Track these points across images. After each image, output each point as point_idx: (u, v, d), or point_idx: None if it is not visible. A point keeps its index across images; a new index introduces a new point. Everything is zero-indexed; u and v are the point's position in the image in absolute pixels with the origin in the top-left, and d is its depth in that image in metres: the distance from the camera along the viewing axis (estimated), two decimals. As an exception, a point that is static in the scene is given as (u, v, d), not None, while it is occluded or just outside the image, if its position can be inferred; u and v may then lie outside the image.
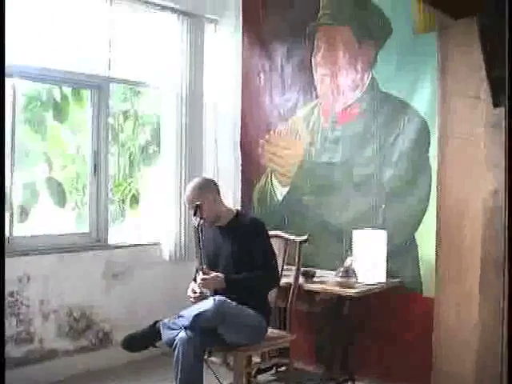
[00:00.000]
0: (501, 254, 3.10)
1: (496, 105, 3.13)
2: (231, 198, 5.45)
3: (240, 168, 5.62)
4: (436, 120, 3.87)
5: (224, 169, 5.72)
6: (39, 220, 5.04)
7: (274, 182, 5.31)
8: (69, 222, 5.28)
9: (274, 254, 3.90)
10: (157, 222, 5.44)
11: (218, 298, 3.54)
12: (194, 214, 3.76)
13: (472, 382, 3.29)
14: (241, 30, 5.57)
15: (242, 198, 5.58)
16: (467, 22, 3.18)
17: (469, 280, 3.33)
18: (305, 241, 4.12)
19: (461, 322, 3.37)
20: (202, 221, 3.78)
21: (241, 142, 5.61)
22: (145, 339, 3.77)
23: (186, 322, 3.48)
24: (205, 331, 3.49)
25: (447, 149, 3.44)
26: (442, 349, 3.44)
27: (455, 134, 3.39)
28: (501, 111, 3.10)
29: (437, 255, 3.54)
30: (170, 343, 3.54)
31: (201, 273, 3.68)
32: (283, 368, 4.59)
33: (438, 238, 3.52)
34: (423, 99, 4.28)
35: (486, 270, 3.24)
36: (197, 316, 3.44)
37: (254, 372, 4.57)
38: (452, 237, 3.43)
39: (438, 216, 3.55)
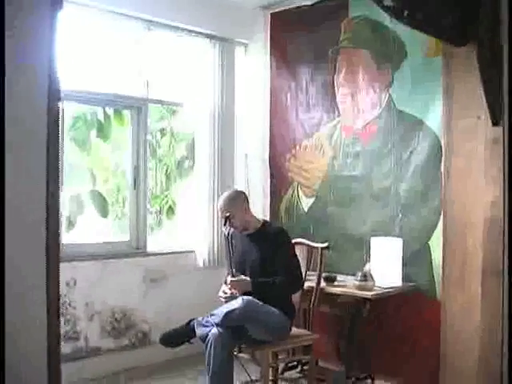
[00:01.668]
0: (500, 261, 3.44)
1: (494, 124, 3.46)
2: (260, 208, 5.76)
3: (268, 181, 5.94)
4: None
5: (254, 181, 6.06)
6: (85, 229, 5.41)
7: (300, 193, 5.64)
8: (111, 231, 5.64)
9: (297, 260, 4.25)
10: (191, 231, 5.78)
11: (246, 297, 3.90)
12: (225, 223, 4.15)
13: (474, 378, 3.55)
14: (269, 53, 5.92)
15: (270, 208, 5.90)
16: (468, 48, 3.49)
17: (472, 285, 3.55)
18: (326, 247, 4.48)
19: (464, 324, 3.59)
20: (232, 229, 4.17)
21: (269, 156, 5.94)
22: (180, 336, 4.08)
23: (217, 319, 3.85)
24: (234, 328, 3.85)
25: (452, 164, 3.71)
26: (448, 347, 3.68)
27: (459, 151, 3.67)
28: (499, 129, 3.45)
29: (443, 262, 3.77)
30: (203, 339, 3.90)
31: (230, 276, 4.07)
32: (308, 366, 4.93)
33: (444, 246, 3.76)
34: (435, 117, 4.57)
35: (487, 276, 3.50)
36: (227, 314, 3.82)
37: (281, 369, 4.92)
38: (456, 245, 3.65)
39: (444, 226, 3.82)
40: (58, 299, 2.19)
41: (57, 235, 2.11)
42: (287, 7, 5.72)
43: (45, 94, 2.04)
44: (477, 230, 3.56)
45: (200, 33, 5.66)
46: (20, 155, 1.98)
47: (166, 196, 6.15)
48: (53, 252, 2.08)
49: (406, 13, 3.20)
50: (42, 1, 2.05)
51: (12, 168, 1.91)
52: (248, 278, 4.07)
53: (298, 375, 5.02)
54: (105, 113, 5.49)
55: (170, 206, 6.12)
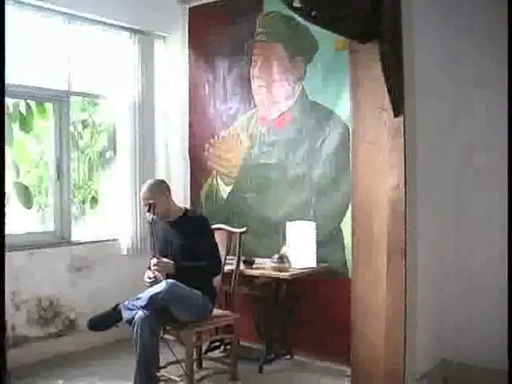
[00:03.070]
0: (402, 240, 3.76)
1: (396, 115, 3.77)
2: (181, 196, 5.93)
3: (189, 170, 6.14)
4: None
5: (174, 170, 6.24)
6: (9, 220, 5.43)
7: (219, 181, 5.86)
8: (35, 221, 5.69)
9: (217, 245, 4.49)
10: (115, 220, 5.95)
11: (169, 281, 4.11)
12: (148, 211, 4.35)
13: (382, 346, 3.87)
14: (187, 46, 6.11)
15: (191, 196, 6.11)
16: (372, 44, 3.77)
17: (378, 263, 3.85)
18: (244, 232, 4.72)
19: (372, 298, 3.88)
20: (155, 216, 4.38)
21: (189, 146, 6.14)
22: (107, 320, 4.23)
23: (142, 302, 4.04)
24: (159, 310, 4.06)
25: (359, 152, 4.00)
26: (358, 320, 3.97)
27: (365, 139, 3.96)
28: (400, 120, 3.76)
29: (352, 242, 4.06)
30: (130, 322, 4.09)
31: (155, 259, 4.26)
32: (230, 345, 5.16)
33: (353, 228, 4.05)
34: (345, 108, 4.79)
35: (391, 255, 3.82)
36: (152, 297, 4.02)
37: (205, 349, 5.15)
38: (364, 227, 3.93)
39: (352, 209, 4.11)
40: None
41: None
42: (206, 1, 5.89)
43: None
44: (382, 212, 3.86)
45: (119, 26, 5.79)
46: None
47: (89, 186, 6.23)
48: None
49: (313, 13, 3.46)
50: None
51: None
52: (171, 262, 4.27)
53: (221, 354, 5.25)
54: (27, 105, 5.53)
55: (93, 196, 6.20)
